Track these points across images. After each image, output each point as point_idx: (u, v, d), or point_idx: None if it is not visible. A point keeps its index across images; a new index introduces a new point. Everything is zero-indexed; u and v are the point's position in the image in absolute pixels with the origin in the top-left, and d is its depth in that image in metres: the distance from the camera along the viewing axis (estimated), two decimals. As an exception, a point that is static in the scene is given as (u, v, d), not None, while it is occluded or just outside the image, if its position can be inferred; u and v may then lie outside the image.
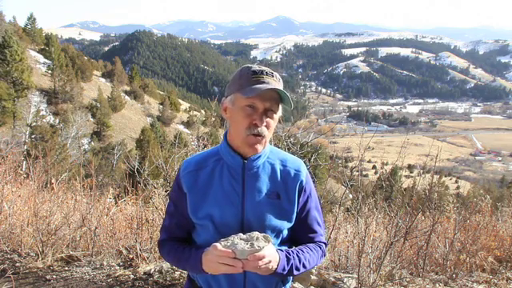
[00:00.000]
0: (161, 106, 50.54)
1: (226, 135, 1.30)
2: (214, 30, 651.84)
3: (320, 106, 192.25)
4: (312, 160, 3.53)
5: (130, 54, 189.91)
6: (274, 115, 1.22)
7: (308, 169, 1.66)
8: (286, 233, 1.33)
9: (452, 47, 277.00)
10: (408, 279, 3.12)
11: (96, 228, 3.49)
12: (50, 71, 38.85)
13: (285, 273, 1.17)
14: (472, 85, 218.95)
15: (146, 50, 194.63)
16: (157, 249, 3.46)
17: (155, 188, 3.74)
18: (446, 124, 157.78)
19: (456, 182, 59.23)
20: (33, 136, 23.67)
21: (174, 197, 1.35)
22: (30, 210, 3.53)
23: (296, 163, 1.33)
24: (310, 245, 1.31)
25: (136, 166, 3.94)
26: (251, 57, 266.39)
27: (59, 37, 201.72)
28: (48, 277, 3.06)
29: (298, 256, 1.22)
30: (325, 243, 1.37)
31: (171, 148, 5.63)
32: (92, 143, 32.97)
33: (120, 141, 30.64)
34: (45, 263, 3.22)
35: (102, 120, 36.08)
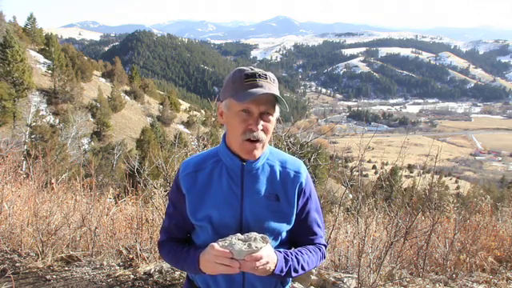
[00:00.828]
0: (161, 106, 50.54)
1: (224, 137, 1.29)
2: (213, 30, 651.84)
3: (320, 105, 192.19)
4: (312, 160, 3.53)
5: (130, 54, 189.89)
6: (271, 118, 1.19)
7: (308, 169, 1.66)
8: (284, 235, 1.32)
9: (452, 47, 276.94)
10: (408, 279, 3.12)
11: (96, 228, 3.49)
12: (50, 71, 38.87)
13: (283, 274, 1.17)
14: (472, 85, 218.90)
15: (145, 50, 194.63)
16: (157, 249, 3.46)
17: (155, 188, 3.74)
18: (446, 124, 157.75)
19: (456, 182, 59.21)
20: (33, 136, 23.67)
21: (173, 198, 1.35)
22: (30, 210, 3.53)
23: (296, 164, 1.32)
24: (310, 247, 1.31)
25: (136, 166, 3.94)
26: (251, 57, 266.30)
27: (59, 37, 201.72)
28: (48, 277, 3.06)
29: (296, 258, 1.21)
30: (325, 245, 1.36)
31: (171, 148, 5.63)
32: (92, 143, 32.96)
33: (120, 141, 30.63)
34: (45, 263, 3.22)
35: (102, 120, 36.08)
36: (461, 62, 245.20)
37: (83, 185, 3.96)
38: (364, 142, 3.33)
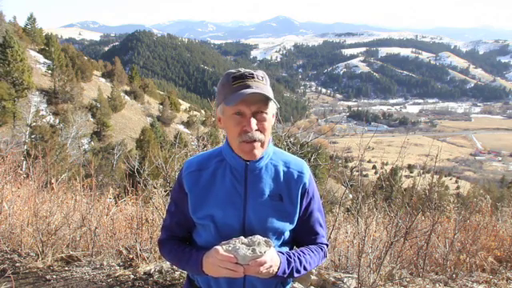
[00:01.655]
0: (161, 106, 50.55)
1: (227, 138, 1.29)
2: (213, 30, 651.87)
3: (320, 105, 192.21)
4: (312, 160, 3.53)
5: (130, 54, 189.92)
6: (265, 116, 1.18)
7: (308, 169, 1.65)
8: (287, 234, 1.32)
9: (452, 47, 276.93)
10: (408, 279, 3.12)
11: (96, 228, 3.49)
12: (50, 71, 38.88)
13: (285, 276, 1.18)
14: (472, 85, 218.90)
15: (146, 49, 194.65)
16: (157, 249, 3.46)
17: (155, 188, 3.74)
18: (446, 124, 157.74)
19: (456, 182, 59.19)
20: (33, 136, 23.67)
21: (175, 196, 1.35)
22: (30, 210, 3.53)
23: (299, 165, 1.32)
24: (312, 246, 1.31)
25: (136, 166, 3.94)
26: (251, 57, 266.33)
27: (59, 37, 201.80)
28: (48, 277, 3.06)
29: (299, 259, 1.22)
30: (326, 244, 1.37)
31: (171, 148, 5.63)
32: (92, 143, 32.96)
33: (120, 141, 30.64)
34: (45, 263, 3.22)
35: (102, 120, 36.08)
36: (461, 62, 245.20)
37: (83, 185, 3.96)
38: (364, 141, 3.32)
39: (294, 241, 1.36)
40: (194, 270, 1.23)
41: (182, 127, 45.81)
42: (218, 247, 1.13)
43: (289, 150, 3.53)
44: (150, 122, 42.14)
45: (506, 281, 3.27)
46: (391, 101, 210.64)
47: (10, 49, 28.92)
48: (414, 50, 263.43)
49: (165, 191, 3.70)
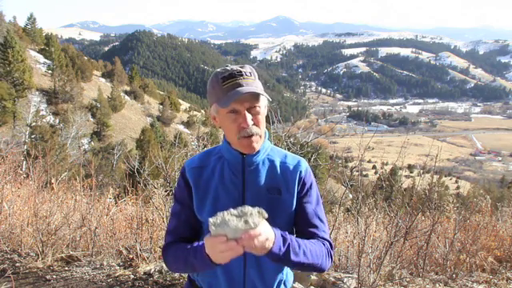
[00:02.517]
0: (161, 106, 50.56)
1: (225, 135, 1.32)
2: (213, 30, 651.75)
3: (320, 105, 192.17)
4: (312, 160, 3.53)
5: (130, 54, 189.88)
6: (258, 109, 1.21)
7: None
8: (286, 229, 1.30)
9: (452, 47, 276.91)
10: (408, 279, 3.12)
11: (96, 228, 3.49)
12: (50, 71, 38.90)
13: (281, 254, 1.09)
14: (472, 85, 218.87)
15: (146, 49, 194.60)
16: (157, 249, 3.46)
17: (155, 188, 3.74)
18: (446, 124, 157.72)
19: (456, 182, 59.19)
20: (33, 136, 23.67)
21: (179, 195, 1.33)
22: (30, 210, 3.53)
23: (295, 159, 1.34)
24: (312, 240, 1.26)
25: (136, 166, 3.94)
26: (251, 57, 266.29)
27: (59, 37, 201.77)
28: (48, 277, 3.06)
29: (296, 241, 1.15)
30: (329, 242, 1.29)
31: (171, 148, 5.62)
32: (92, 143, 32.97)
33: (120, 141, 30.65)
34: (45, 263, 3.22)
35: (101, 120, 36.09)
36: (461, 62, 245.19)
37: (83, 185, 3.96)
38: (364, 141, 3.33)
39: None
40: (206, 265, 1.13)
41: (182, 127, 45.82)
42: (207, 235, 1.04)
43: (289, 149, 3.53)
44: (150, 122, 42.16)
45: (506, 281, 3.27)
46: (391, 101, 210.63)
47: (11, 49, 28.93)
48: (413, 49, 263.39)
49: (165, 191, 3.70)
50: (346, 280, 3.03)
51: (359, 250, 2.94)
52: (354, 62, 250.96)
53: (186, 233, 1.30)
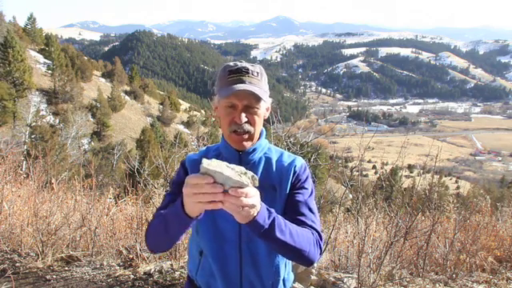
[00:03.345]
0: (161, 106, 50.57)
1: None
2: (213, 30, 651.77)
3: (320, 105, 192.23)
4: (312, 160, 3.53)
5: (130, 54, 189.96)
6: (257, 110, 1.23)
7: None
8: None
9: (452, 47, 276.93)
10: (408, 279, 3.12)
11: (96, 228, 3.49)
12: (49, 71, 38.89)
13: (265, 226, 1.02)
14: (472, 85, 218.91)
15: (146, 50, 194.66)
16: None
17: (155, 188, 3.74)
18: (446, 124, 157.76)
19: (456, 182, 59.19)
20: (33, 136, 23.68)
21: (176, 179, 1.33)
22: (30, 210, 3.53)
23: (291, 157, 1.35)
24: (300, 227, 1.21)
25: (136, 166, 3.94)
26: (251, 57, 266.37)
27: (59, 37, 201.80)
28: (48, 277, 3.06)
29: (283, 219, 1.09)
30: (318, 232, 1.23)
31: (171, 148, 5.63)
32: (92, 143, 32.97)
33: (120, 141, 30.65)
34: (45, 263, 3.22)
35: (101, 120, 36.09)
36: (461, 62, 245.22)
37: (83, 185, 3.96)
38: (364, 141, 3.33)
39: None
40: (177, 216, 1.03)
41: (182, 127, 45.83)
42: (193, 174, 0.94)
43: (289, 149, 3.53)
44: (150, 122, 42.16)
45: (506, 281, 3.27)
46: (391, 101, 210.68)
47: (11, 49, 28.94)
48: (413, 49, 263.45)
49: (165, 191, 3.70)
50: (345, 280, 3.03)
51: (359, 250, 2.94)
52: (354, 62, 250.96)
53: None
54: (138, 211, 3.58)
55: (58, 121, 32.17)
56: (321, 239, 1.23)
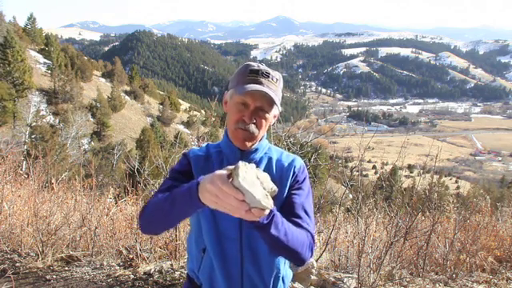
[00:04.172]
0: (161, 106, 50.57)
1: (226, 130, 1.34)
2: (213, 30, 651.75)
3: (320, 105, 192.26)
4: (312, 160, 3.53)
5: (130, 54, 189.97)
6: (267, 115, 1.24)
7: (308, 169, 1.65)
8: None
9: (452, 47, 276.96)
10: (408, 279, 3.12)
11: (96, 228, 3.49)
12: (49, 71, 38.90)
13: (265, 222, 1.02)
14: (472, 85, 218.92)
15: (146, 50, 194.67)
16: (157, 249, 3.46)
17: (155, 188, 3.74)
18: (446, 124, 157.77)
19: (456, 182, 59.20)
20: (33, 136, 23.68)
21: (177, 168, 1.30)
22: (30, 210, 3.53)
23: (290, 157, 1.37)
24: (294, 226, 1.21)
25: (136, 166, 3.94)
26: (251, 57, 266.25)
27: (59, 37, 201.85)
28: (48, 277, 3.06)
29: (281, 218, 1.10)
30: (312, 235, 1.24)
31: (171, 148, 5.63)
32: (92, 143, 32.98)
33: (120, 141, 30.65)
34: (45, 263, 3.22)
35: (101, 120, 36.09)
36: (461, 62, 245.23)
37: (83, 185, 3.96)
38: (364, 142, 3.33)
39: None
40: (185, 201, 1.02)
41: (182, 127, 45.83)
42: (223, 172, 0.92)
43: (289, 149, 3.53)
44: (150, 122, 42.18)
45: (506, 281, 3.27)
46: (391, 101, 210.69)
47: (11, 49, 28.94)
48: (413, 49, 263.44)
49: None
50: (345, 280, 3.03)
51: (359, 250, 2.94)
52: (354, 62, 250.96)
53: None
54: (138, 211, 3.58)
55: (58, 121, 32.18)
56: (313, 242, 1.25)
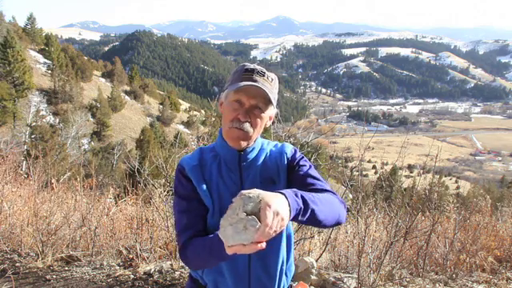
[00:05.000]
0: (161, 106, 50.55)
1: (221, 131, 1.33)
2: (213, 30, 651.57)
3: (320, 105, 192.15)
4: (312, 160, 3.53)
5: (130, 54, 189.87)
6: (262, 114, 1.23)
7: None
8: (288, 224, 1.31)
9: (452, 47, 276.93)
10: (408, 279, 3.12)
11: (96, 228, 3.49)
12: (49, 71, 38.88)
13: (302, 210, 1.03)
14: (472, 85, 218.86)
15: (146, 50, 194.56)
16: (157, 249, 3.45)
17: (155, 188, 3.74)
18: (446, 124, 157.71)
19: (456, 182, 59.19)
20: (33, 136, 23.68)
21: (183, 192, 1.29)
22: (30, 209, 3.53)
23: (279, 145, 1.38)
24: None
25: (136, 166, 3.94)
26: (251, 57, 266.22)
27: (59, 37, 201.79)
28: (48, 277, 3.06)
29: (305, 193, 1.08)
30: (331, 191, 1.23)
31: (171, 148, 5.62)
32: (92, 143, 32.99)
33: (120, 141, 30.66)
34: (45, 263, 3.22)
35: (101, 120, 36.10)
36: (461, 62, 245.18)
37: (83, 185, 3.96)
38: (364, 141, 3.33)
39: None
40: (220, 256, 1.08)
41: (181, 127, 45.82)
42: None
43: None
44: (149, 122, 42.18)
45: (506, 281, 3.27)
46: (391, 101, 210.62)
47: (11, 49, 28.94)
48: (413, 50, 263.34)
49: (165, 191, 3.70)
50: (345, 280, 3.03)
51: (359, 250, 2.94)
52: (354, 62, 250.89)
53: (200, 226, 1.25)
54: (138, 211, 3.58)
55: (57, 121, 32.19)
56: (336, 194, 1.24)
